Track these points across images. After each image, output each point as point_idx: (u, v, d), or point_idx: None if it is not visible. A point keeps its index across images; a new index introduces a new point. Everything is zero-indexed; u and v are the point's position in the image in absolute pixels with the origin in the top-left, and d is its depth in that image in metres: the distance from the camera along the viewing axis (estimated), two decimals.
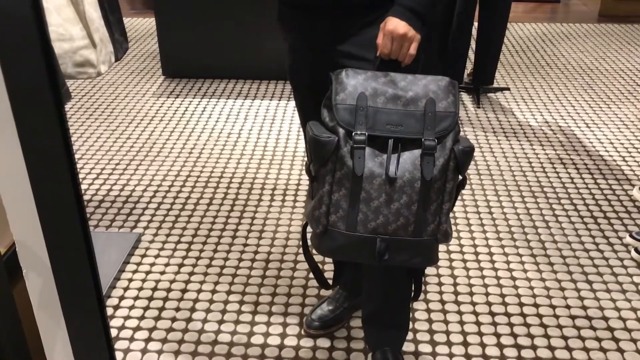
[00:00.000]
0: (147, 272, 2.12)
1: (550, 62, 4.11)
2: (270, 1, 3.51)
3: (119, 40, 1.91)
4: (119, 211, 2.47)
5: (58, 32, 1.72)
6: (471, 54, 3.92)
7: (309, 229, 1.40)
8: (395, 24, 1.33)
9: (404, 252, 1.35)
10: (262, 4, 3.56)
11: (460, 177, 1.35)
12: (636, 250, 2.18)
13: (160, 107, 3.42)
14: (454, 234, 2.32)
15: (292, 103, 3.47)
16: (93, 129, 3.15)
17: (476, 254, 2.22)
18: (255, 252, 2.22)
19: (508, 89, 3.68)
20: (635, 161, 2.86)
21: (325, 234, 1.34)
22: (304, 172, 2.75)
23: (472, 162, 2.83)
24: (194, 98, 3.54)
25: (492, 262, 2.19)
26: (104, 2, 1.82)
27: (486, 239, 2.31)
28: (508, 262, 2.18)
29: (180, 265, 2.15)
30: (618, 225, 2.38)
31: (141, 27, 4.81)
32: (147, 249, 2.24)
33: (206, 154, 2.92)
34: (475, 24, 3.50)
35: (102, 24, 1.80)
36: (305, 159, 1.35)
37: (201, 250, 2.23)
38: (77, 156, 2.88)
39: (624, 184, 2.68)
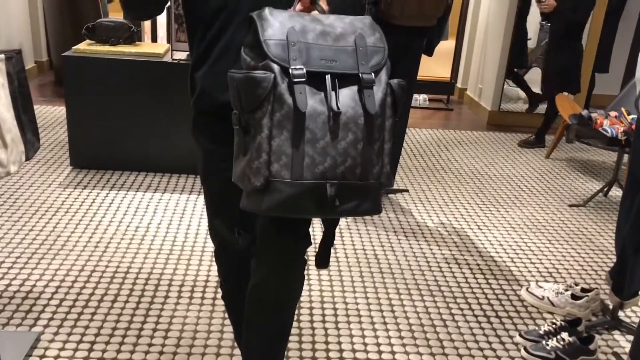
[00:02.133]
0: None
1: (445, 166, 4.43)
2: (181, 97, 3.61)
3: (31, 140, 1.93)
4: (18, 308, 2.38)
5: None
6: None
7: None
8: None
9: (353, 197, 1.27)
10: (173, 98, 3.66)
11: (395, 115, 1.32)
12: (525, 349, 2.35)
13: (67, 198, 3.37)
14: (360, 332, 2.40)
15: (202, 197, 3.52)
16: None
17: (379, 352, 2.30)
18: (161, 353, 2.20)
19: (407, 190, 3.92)
20: (522, 262, 3.10)
21: (267, 189, 1.24)
22: (212, 267, 2.77)
23: (375, 261, 2.97)
24: (102, 190, 3.52)
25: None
26: (17, 102, 1.85)
27: (389, 337, 2.40)
28: None
29: None
30: (509, 324, 2.56)
31: (50, 115, 4.76)
32: (46, 349, 2.16)
33: (112, 248, 2.89)
34: None
35: (14, 124, 1.83)
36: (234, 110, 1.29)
37: (104, 351, 2.18)
38: None
39: (513, 284, 2.89)
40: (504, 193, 4.00)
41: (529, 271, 3.02)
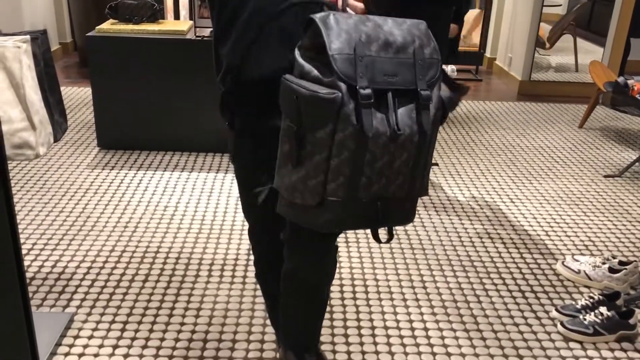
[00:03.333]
0: (80, 355, 2.05)
1: (475, 138, 4.34)
2: (206, 75, 3.58)
3: (58, 121, 1.91)
4: (51, 289, 2.39)
5: None
6: None
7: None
8: None
9: (398, 210, 1.27)
10: (198, 76, 3.63)
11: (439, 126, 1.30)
12: (562, 324, 2.29)
13: (95, 179, 3.38)
14: (392, 309, 2.37)
15: (230, 176, 3.51)
16: (24, 202, 3.07)
17: (412, 329, 2.27)
18: (193, 332, 2.19)
19: (437, 164, 3.85)
20: (557, 235, 3.03)
21: (321, 206, 1.21)
22: (241, 245, 2.76)
23: (405, 237, 2.92)
24: (129, 170, 3.52)
25: (428, 337, 2.24)
26: (44, 83, 1.84)
27: (421, 314, 2.37)
28: (443, 338, 2.24)
29: (115, 347, 2.10)
30: (544, 299, 2.50)
31: (76, 96, 4.78)
32: (80, 329, 2.17)
33: (142, 228, 2.89)
34: None
35: (42, 105, 1.81)
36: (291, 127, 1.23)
37: (136, 330, 2.18)
38: None
39: (548, 258, 2.82)
40: (537, 165, 3.90)
41: (565, 244, 2.95)
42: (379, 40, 1.21)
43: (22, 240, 2.72)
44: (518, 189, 3.55)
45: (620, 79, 3.78)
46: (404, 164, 1.22)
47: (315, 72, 1.18)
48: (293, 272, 1.64)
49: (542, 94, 5.45)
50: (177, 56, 3.61)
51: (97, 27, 3.64)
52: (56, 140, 1.90)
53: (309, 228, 1.32)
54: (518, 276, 2.66)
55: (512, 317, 2.38)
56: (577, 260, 2.70)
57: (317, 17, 1.20)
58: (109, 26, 3.65)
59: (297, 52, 1.23)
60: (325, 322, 2.25)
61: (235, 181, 3.37)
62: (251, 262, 2.63)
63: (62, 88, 4.86)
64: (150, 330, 2.19)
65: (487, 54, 6.33)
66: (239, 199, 1.72)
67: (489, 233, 3.02)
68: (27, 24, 5.17)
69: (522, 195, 3.46)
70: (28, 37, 1.77)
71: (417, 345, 2.19)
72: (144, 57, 3.61)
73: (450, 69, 5.91)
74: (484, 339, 2.25)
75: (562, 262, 2.71)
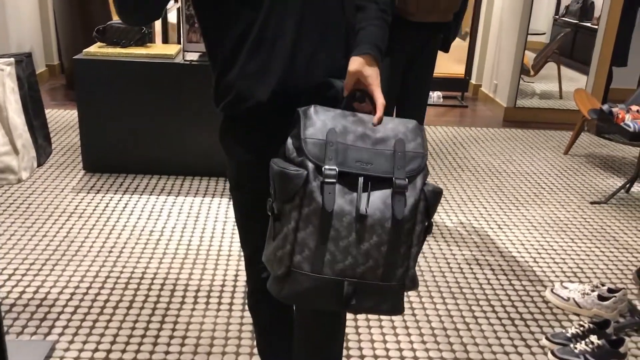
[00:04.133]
0: None
1: (462, 164, 4.35)
2: (194, 99, 3.56)
3: (42, 145, 1.88)
4: (32, 316, 2.33)
5: None
6: None
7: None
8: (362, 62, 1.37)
9: (372, 297, 1.30)
10: (186, 100, 3.61)
11: (427, 221, 1.33)
12: (552, 353, 2.27)
13: (80, 202, 3.33)
14: (381, 337, 2.34)
15: (217, 200, 3.47)
16: (7, 226, 3.01)
17: (402, 357, 2.24)
18: None
19: None
20: (545, 262, 3.02)
21: (287, 277, 1.28)
22: (228, 271, 2.72)
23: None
24: (115, 194, 3.48)
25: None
26: (28, 106, 1.81)
27: (411, 342, 2.34)
28: None
29: None
30: (534, 326, 2.48)
31: (62, 119, 4.74)
32: (61, 357, 2.12)
33: (127, 253, 2.84)
34: None
35: (25, 129, 1.78)
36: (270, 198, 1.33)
37: (120, 359, 2.13)
38: None
39: (537, 285, 2.81)
40: (523, 191, 3.92)
41: (553, 271, 2.94)
42: (356, 132, 1.30)
43: (3, 266, 2.66)
44: (505, 215, 3.55)
45: (605, 107, 3.82)
46: (375, 248, 1.26)
47: (292, 154, 1.29)
48: (303, 337, 1.70)
49: (527, 120, 5.50)
50: (165, 80, 3.60)
51: (84, 50, 3.61)
52: (40, 164, 1.86)
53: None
54: (507, 303, 2.64)
55: (502, 345, 2.36)
56: (566, 288, 2.69)
57: (302, 109, 1.31)
58: (96, 49, 3.63)
59: (288, 140, 1.32)
60: None
61: (222, 206, 3.35)
62: (238, 289, 2.60)
63: (47, 110, 4.84)
64: None
65: (473, 81, 6.39)
66: (236, 226, 1.68)
67: (477, 260, 3.01)
68: (13, 45, 5.14)
69: (510, 222, 3.46)
70: (12, 59, 1.74)
71: None
72: (132, 81, 3.59)
73: (436, 95, 5.96)
74: None
75: (552, 290, 2.70)
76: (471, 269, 2.92)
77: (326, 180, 1.24)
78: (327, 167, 1.24)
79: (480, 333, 2.42)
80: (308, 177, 1.25)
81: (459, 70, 6.26)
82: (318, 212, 1.24)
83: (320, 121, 1.29)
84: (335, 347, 1.72)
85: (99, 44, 3.75)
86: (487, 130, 5.21)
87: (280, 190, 1.27)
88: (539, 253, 3.12)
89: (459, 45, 6.01)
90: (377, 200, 1.26)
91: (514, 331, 2.44)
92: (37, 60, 5.69)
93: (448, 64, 5.98)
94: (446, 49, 3.53)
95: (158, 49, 3.77)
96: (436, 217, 3.45)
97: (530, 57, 6.12)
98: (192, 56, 3.62)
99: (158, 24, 5.08)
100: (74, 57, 3.59)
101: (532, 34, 5.71)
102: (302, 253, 1.26)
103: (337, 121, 1.30)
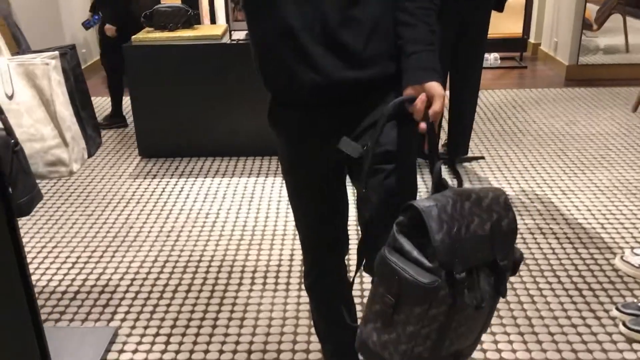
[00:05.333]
0: None
1: (522, 128, 4.18)
2: (242, 78, 3.54)
3: (92, 136, 1.89)
4: (95, 303, 2.39)
5: (29, 132, 1.70)
6: (444, 124, 3.97)
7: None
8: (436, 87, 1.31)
9: (466, 355, 1.38)
10: (235, 80, 3.60)
11: None
12: (624, 324, 2.16)
13: (137, 188, 3.39)
14: None
15: (271, 179, 3.46)
16: (69, 215, 3.09)
17: None
18: (237, 343, 2.15)
19: (483, 157, 3.72)
20: (614, 228, 2.87)
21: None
22: (283, 251, 2.71)
23: None
24: (171, 178, 3.51)
25: (480, 342, 2.14)
26: (75, 98, 1.81)
27: None
28: (496, 342, 2.14)
29: None
30: (603, 297, 2.36)
31: None
32: (124, 343, 2.16)
33: (184, 237, 2.87)
34: (447, 93, 3.57)
35: (74, 121, 1.79)
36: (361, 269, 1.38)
37: (180, 343, 2.16)
38: (52, 245, 2.82)
39: (605, 252, 2.68)
40: (589, 153, 3.73)
41: (622, 237, 2.79)
42: (464, 222, 1.25)
43: (66, 254, 2.73)
44: (570, 179, 3.39)
45: None
46: (480, 323, 1.33)
47: (415, 253, 1.23)
48: None
49: (591, 78, 5.23)
50: (212, 61, 3.59)
51: (132, 37, 3.64)
52: (90, 155, 1.88)
53: None
54: (574, 273, 2.53)
55: (569, 317, 2.25)
56: (637, 254, 2.55)
57: (420, 206, 1.23)
58: (144, 35, 3.65)
59: (394, 227, 1.27)
60: None
61: (276, 185, 3.33)
62: (294, 269, 2.58)
63: (103, 98, 4.93)
64: (194, 343, 2.16)
65: (532, 40, 6.12)
66: (290, 207, 1.66)
67: (540, 228, 2.89)
68: (67, 35, 5.25)
69: (575, 187, 3.31)
70: (57, 53, 1.75)
71: None
72: (180, 64, 3.60)
73: (493, 57, 5.74)
74: (539, 342, 2.13)
75: (621, 257, 2.57)
76: (535, 238, 2.80)
77: (458, 286, 1.23)
78: (457, 273, 1.22)
79: (545, 306, 2.32)
80: (441, 284, 1.22)
81: (516, 29, 6.00)
82: (447, 312, 1.24)
83: (445, 223, 1.22)
84: None
85: (147, 29, 3.77)
86: (549, 91, 4.99)
87: (412, 298, 1.24)
88: (607, 218, 2.96)
89: (515, 3, 5.75)
90: (484, 285, 1.28)
91: (581, 302, 2.34)
92: (91, 49, 5.80)
93: (504, 23, 5.73)
94: (500, 8, 3.37)
95: (205, 30, 3.76)
96: (496, 185, 3.33)
97: (592, 10, 5.80)
98: (239, 35, 3.58)
99: (205, 4, 5.06)
100: (122, 45, 3.62)
101: None
102: (424, 345, 1.27)
103: (454, 218, 1.24)
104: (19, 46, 1.77)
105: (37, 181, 1.72)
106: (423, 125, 1.29)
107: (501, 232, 1.27)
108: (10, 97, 1.68)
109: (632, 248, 2.68)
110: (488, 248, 1.26)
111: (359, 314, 1.80)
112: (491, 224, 1.26)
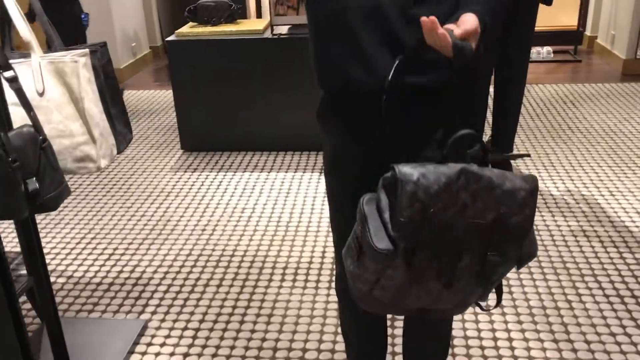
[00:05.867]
0: None
1: (572, 125, 4.03)
2: (283, 73, 3.53)
3: (122, 132, 1.91)
4: (128, 295, 2.43)
5: (58, 129, 1.73)
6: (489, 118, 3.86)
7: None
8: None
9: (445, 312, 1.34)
10: (276, 75, 3.59)
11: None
12: None
13: (177, 182, 3.43)
14: (473, 317, 2.22)
15: (308, 175, 3.45)
16: (109, 207, 3.16)
17: (494, 339, 2.11)
18: (263, 340, 2.15)
19: (529, 155, 3.60)
20: None
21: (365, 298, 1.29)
22: (316, 248, 2.70)
23: None
24: (210, 172, 3.55)
25: (512, 348, 2.07)
26: (105, 95, 1.84)
27: (505, 322, 2.20)
28: (529, 349, 2.07)
29: (186, 355, 2.09)
30: None
31: (163, 99, 4.90)
32: (153, 336, 2.19)
33: (219, 231, 2.89)
34: (491, 87, 3.46)
35: (103, 118, 1.82)
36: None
37: (207, 338, 2.17)
38: (91, 235, 2.89)
39: None
40: None
41: None
42: (456, 206, 1.16)
43: (104, 246, 2.79)
44: (619, 180, 3.25)
45: None
46: (455, 298, 1.26)
47: (386, 215, 1.19)
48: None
49: None
50: (254, 55, 3.59)
51: (176, 31, 3.68)
52: (119, 151, 1.90)
53: None
54: (616, 279, 2.42)
55: (608, 325, 2.16)
56: None
57: (400, 172, 1.15)
58: (188, 29, 3.69)
59: (381, 180, 1.22)
60: (398, 327, 2.14)
61: (313, 181, 3.32)
62: (325, 267, 2.56)
63: (150, 91, 5.03)
64: (221, 338, 2.17)
65: (587, 33, 5.89)
66: (327, 204, 1.63)
67: (584, 231, 2.78)
68: (117, 29, 5.37)
69: (624, 188, 3.16)
70: (87, 50, 1.77)
71: (500, 357, 2.03)
72: (223, 58, 3.62)
73: (546, 50, 5.56)
74: (575, 350, 2.05)
75: None
76: (577, 241, 2.70)
77: (416, 263, 1.17)
78: (419, 255, 1.16)
79: (583, 312, 2.23)
80: (396, 254, 1.17)
81: (571, 21, 5.77)
82: (403, 278, 1.20)
83: (417, 202, 1.14)
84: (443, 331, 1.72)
85: (190, 23, 3.80)
86: (603, 86, 4.79)
87: (366, 252, 1.20)
88: None
89: None
90: (465, 268, 1.19)
91: (622, 310, 2.23)
92: (141, 42, 5.91)
93: (559, 15, 5.53)
94: (549, 2, 3.25)
95: (247, 24, 3.76)
96: (541, 185, 3.22)
97: None
98: (281, 30, 3.57)
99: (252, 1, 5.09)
100: (166, 39, 3.67)
101: None
102: (383, 293, 1.24)
103: (434, 195, 1.14)
104: (51, 44, 1.80)
105: (68, 176, 1.76)
106: (424, 18, 1.14)
107: (506, 227, 1.16)
108: (41, 94, 1.72)
109: None
110: (483, 238, 1.17)
111: (389, 322, 1.77)
112: (495, 215, 1.16)
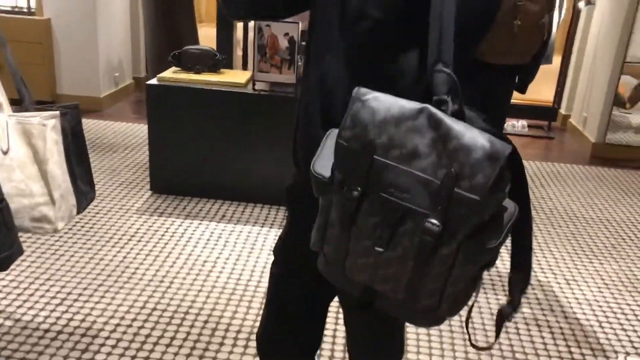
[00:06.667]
0: None
1: (537, 205, 4.12)
2: (262, 128, 3.56)
3: (85, 191, 1.92)
4: (75, 345, 2.40)
5: (19, 187, 1.73)
6: None
7: None
8: None
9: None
10: (254, 128, 3.63)
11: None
12: None
13: (142, 226, 3.42)
14: None
15: (274, 231, 3.46)
16: (68, 246, 3.13)
17: None
18: None
19: None
20: (612, 328, 2.79)
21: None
22: None
23: (446, 322, 2.76)
24: (177, 218, 3.54)
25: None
26: (71, 156, 1.84)
27: None
28: None
29: None
30: None
31: (138, 134, 4.91)
32: None
33: (177, 284, 2.88)
34: None
35: (65, 179, 1.82)
36: None
37: None
38: (45, 276, 2.85)
39: (598, 355, 2.60)
40: (600, 241, 3.65)
41: (619, 340, 2.71)
42: (405, 147, 1.04)
43: (57, 289, 2.76)
44: (576, 268, 3.32)
45: None
46: (402, 273, 1.10)
47: (331, 141, 1.14)
48: None
49: (617, 158, 5.14)
50: (234, 107, 3.63)
51: (158, 75, 3.71)
52: (79, 212, 1.90)
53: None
54: None
55: None
56: None
57: (360, 92, 1.08)
58: (170, 74, 3.72)
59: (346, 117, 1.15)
60: None
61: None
62: None
63: (127, 124, 5.03)
64: None
65: (562, 110, 6.06)
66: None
67: (537, 319, 2.82)
68: (102, 57, 5.38)
69: (580, 277, 3.23)
70: (57, 112, 1.79)
71: None
72: (202, 106, 3.65)
73: (521, 124, 5.70)
74: None
75: None
76: (529, 330, 2.74)
77: (347, 202, 1.09)
78: (348, 191, 1.08)
79: None
80: (332, 184, 1.11)
81: (548, 96, 5.95)
82: (340, 223, 1.13)
83: (362, 121, 1.06)
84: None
85: (173, 68, 3.84)
86: (572, 167, 4.92)
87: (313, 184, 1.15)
88: (607, 317, 2.88)
89: (551, 67, 5.71)
90: (405, 239, 1.07)
91: None
92: (124, 72, 5.93)
93: (536, 88, 5.68)
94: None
95: (230, 75, 3.81)
96: (500, 266, 3.27)
97: (630, 83, 5.72)
98: (262, 86, 3.62)
99: (239, 49, 5.14)
100: (147, 83, 3.69)
101: (631, 62, 5.34)
102: (329, 245, 1.18)
103: (381, 125, 1.05)
104: (22, 101, 1.81)
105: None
106: None
107: (453, 193, 1.01)
108: (5, 153, 1.72)
109: (627, 354, 2.60)
110: (430, 198, 1.03)
111: None
112: (446, 173, 1.01)
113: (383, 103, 1.06)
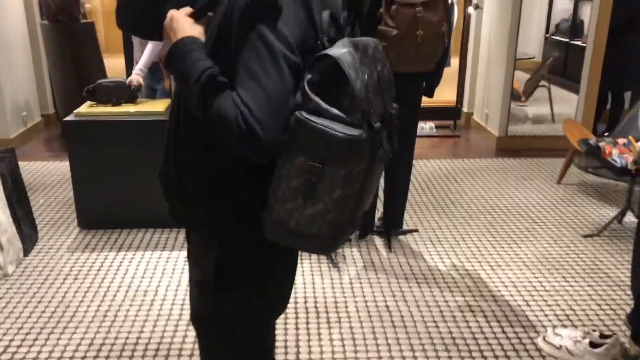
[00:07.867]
0: None
1: (455, 200, 4.38)
2: None
3: (28, 233, 1.93)
4: None
5: None
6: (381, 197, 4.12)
7: None
8: None
9: None
10: None
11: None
12: None
13: (75, 262, 3.36)
14: None
15: None
16: (3, 292, 3.03)
17: None
18: None
19: (417, 230, 3.87)
20: (537, 305, 3.04)
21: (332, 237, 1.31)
22: None
23: (387, 313, 2.92)
24: (110, 251, 3.51)
25: None
26: (12, 200, 1.85)
27: None
28: None
29: None
30: None
31: (57, 171, 4.79)
32: None
33: (121, 317, 2.87)
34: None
35: (10, 223, 1.83)
36: None
37: None
38: None
39: (529, 331, 2.82)
40: (516, 226, 3.94)
41: (545, 315, 2.96)
42: (367, 73, 1.23)
43: None
44: (498, 254, 3.57)
45: (592, 141, 3.85)
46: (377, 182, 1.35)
47: (335, 110, 1.18)
48: None
49: (519, 148, 5.53)
50: (156, 136, 3.61)
51: (75, 111, 3.67)
52: (26, 254, 1.90)
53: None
54: (500, 353, 2.66)
55: None
56: (558, 335, 2.71)
57: (336, 54, 1.18)
58: (86, 109, 3.69)
59: (306, 87, 1.19)
60: None
61: None
62: None
63: (43, 162, 4.90)
64: None
65: (465, 109, 6.43)
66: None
67: (470, 306, 3.03)
68: (7, 97, 5.22)
69: (502, 261, 3.48)
70: None
71: None
72: (123, 138, 3.64)
73: (428, 126, 6.00)
74: None
75: (544, 337, 2.72)
76: (464, 316, 2.94)
77: (377, 136, 1.21)
78: (376, 125, 1.20)
79: None
80: (366, 136, 1.19)
81: (450, 98, 6.31)
82: (366, 169, 1.21)
83: (360, 71, 1.20)
84: None
85: (89, 102, 3.80)
86: (480, 161, 5.24)
87: (337, 158, 1.18)
88: (532, 295, 3.13)
89: (449, 72, 6.05)
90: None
91: None
92: (32, 111, 5.76)
93: (439, 90, 6.01)
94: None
95: (148, 105, 3.82)
96: (429, 261, 3.47)
97: (522, 79, 6.17)
98: None
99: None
100: (64, 119, 3.65)
101: (521, 58, 5.77)
102: (347, 208, 1.25)
103: (359, 62, 1.21)
104: None
105: None
106: None
107: (386, 80, 1.28)
108: None
109: (554, 326, 2.84)
110: (381, 98, 1.26)
111: None
112: (377, 73, 1.26)
113: (350, 49, 1.23)
